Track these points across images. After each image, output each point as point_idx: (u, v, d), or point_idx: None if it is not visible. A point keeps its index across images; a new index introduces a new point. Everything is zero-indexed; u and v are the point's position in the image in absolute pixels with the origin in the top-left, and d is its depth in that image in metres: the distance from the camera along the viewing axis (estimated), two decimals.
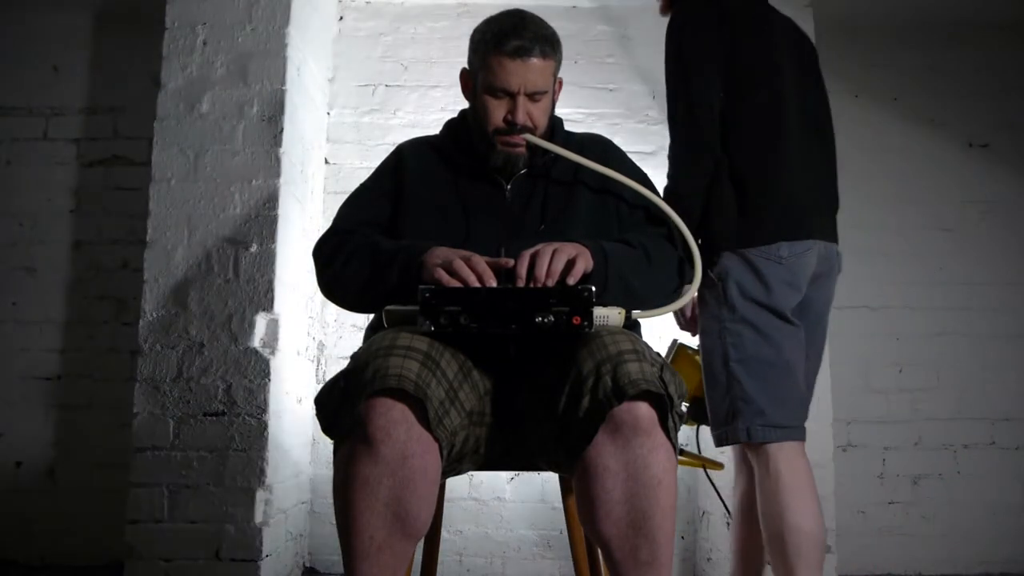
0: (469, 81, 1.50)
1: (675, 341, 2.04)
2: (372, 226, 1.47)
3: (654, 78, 2.97)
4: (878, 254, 2.91)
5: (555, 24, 1.49)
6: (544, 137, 1.47)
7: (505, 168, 1.48)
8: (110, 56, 2.92)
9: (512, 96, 1.42)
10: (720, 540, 2.48)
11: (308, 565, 2.68)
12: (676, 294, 1.48)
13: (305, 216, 2.61)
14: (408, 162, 1.53)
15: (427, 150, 1.56)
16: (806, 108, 1.80)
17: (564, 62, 1.51)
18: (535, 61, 1.40)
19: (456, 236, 1.41)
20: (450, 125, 1.59)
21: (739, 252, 1.66)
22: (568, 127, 1.59)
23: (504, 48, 1.39)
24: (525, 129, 1.43)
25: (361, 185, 1.57)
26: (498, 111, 1.43)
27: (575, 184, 1.50)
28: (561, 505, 1.46)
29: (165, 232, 2.32)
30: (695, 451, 2.08)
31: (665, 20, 1.77)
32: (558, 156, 1.47)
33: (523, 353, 1.32)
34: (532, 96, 1.43)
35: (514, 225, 1.45)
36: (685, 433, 2.12)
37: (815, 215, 1.78)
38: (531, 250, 1.27)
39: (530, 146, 1.46)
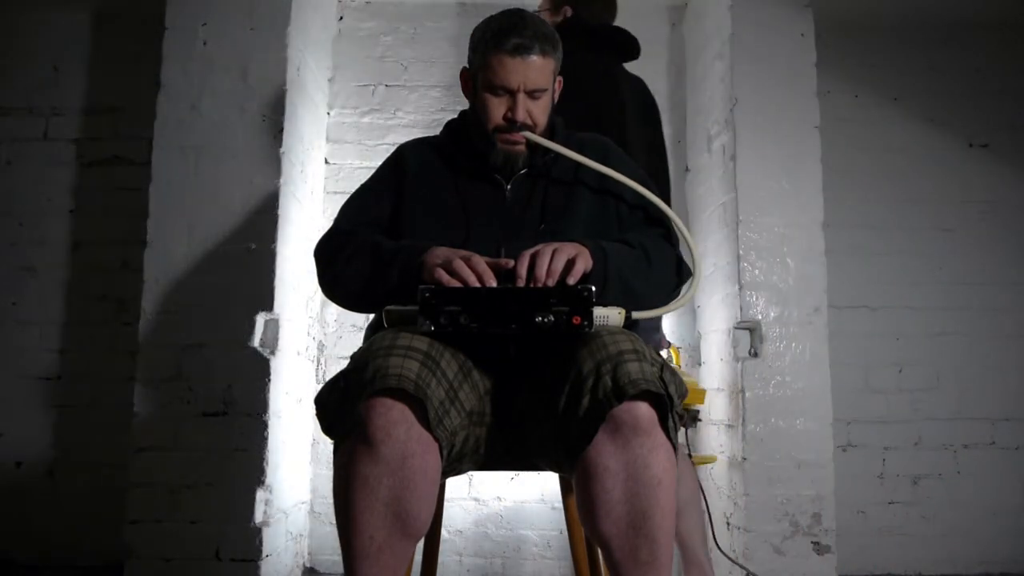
0: (469, 80, 1.51)
1: None
2: (373, 226, 1.48)
3: (654, 78, 2.97)
4: (878, 254, 2.90)
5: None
6: (544, 136, 1.47)
7: (505, 167, 1.48)
8: (110, 56, 2.91)
9: (512, 94, 1.42)
10: (720, 540, 2.48)
11: (308, 565, 2.68)
12: (675, 293, 1.48)
13: (305, 216, 2.61)
14: (408, 162, 1.53)
15: (427, 150, 1.56)
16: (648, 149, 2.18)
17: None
18: (535, 59, 1.41)
19: (456, 236, 1.41)
20: (450, 125, 1.59)
21: None
22: (568, 128, 1.60)
23: (504, 46, 1.40)
24: (525, 127, 1.43)
25: (362, 185, 1.57)
26: (498, 109, 1.44)
27: (575, 184, 1.50)
28: (561, 505, 1.46)
29: (165, 232, 2.32)
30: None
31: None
32: (558, 155, 1.47)
33: (523, 353, 1.32)
34: (532, 94, 1.43)
35: (514, 225, 1.45)
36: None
37: None
38: (531, 250, 1.27)
39: (530, 144, 1.46)
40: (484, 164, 1.49)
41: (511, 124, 1.43)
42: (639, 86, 2.31)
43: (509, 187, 1.49)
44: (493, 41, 1.41)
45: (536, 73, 1.42)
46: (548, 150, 1.47)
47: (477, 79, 1.46)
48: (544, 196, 1.48)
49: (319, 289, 1.49)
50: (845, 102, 2.97)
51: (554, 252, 1.26)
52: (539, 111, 1.45)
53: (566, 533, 1.43)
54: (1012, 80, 3.02)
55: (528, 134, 1.44)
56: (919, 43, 3.02)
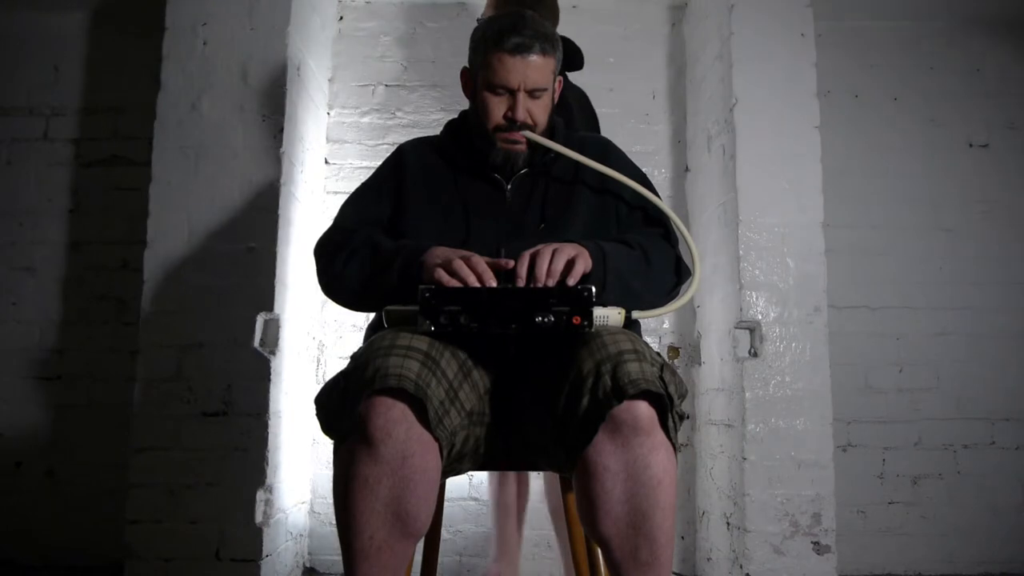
0: (469, 80, 1.51)
1: None
2: (373, 225, 1.48)
3: (654, 78, 2.98)
4: (878, 254, 2.90)
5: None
6: (544, 135, 1.47)
7: (505, 166, 1.48)
8: (110, 56, 2.91)
9: (512, 93, 1.43)
10: (720, 540, 2.48)
11: (308, 565, 2.68)
12: (674, 293, 1.48)
13: (305, 216, 2.61)
14: (409, 161, 1.54)
15: (428, 150, 1.56)
16: None
17: (564, 62, 1.51)
18: (535, 58, 1.41)
19: (456, 235, 1.41)
20: (451, 125, 1.60)
21: None
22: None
23: (504, 45, 1.40)
24: (525, 126, 1.44)
25: (362, 184, 1.58)
26: (498, 108, 1.44)
27: (575, 183, 1.50)
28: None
29: (165, 232, 2.32)
30: None
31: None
32: (558, 155, 1.48)
33: (523, 353, 1.32)
34: (532, 93, 1.43)
35: (514, 224, 1.45)
36: None
37: None
38: (531, 250, 1.27)
39: (530, 144, 1.46)
40: (484, 163, 1.49)
41: (511, 123, 1.43)
42: (584, 99, 2.32)
43: (509, 186, 1.49)
44: (493, 40, 1.42)
45: (536, 72, 1.42)
46: (548, 149, 1.47)
47: (477, 78, 1.46)
48: (544, 195, 1.48)
49: (319, 289, 1.49)
50: (845, 102, 2.97)
51: (554, 252, 1.26)
52: (539, 111, 1.45)
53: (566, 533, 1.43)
54: (1012, 80, 3.02)
55: (528, 133, 1.44)
56: (919, 43, 3.02)
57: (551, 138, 1.49)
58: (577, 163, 1.47)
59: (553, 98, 1.50)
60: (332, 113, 2.93)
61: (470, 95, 1.52)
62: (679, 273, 1.47)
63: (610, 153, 1.56)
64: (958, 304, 2.89)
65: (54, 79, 2.91)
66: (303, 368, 2.63)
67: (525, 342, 1.31)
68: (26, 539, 2.67)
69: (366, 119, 2.93)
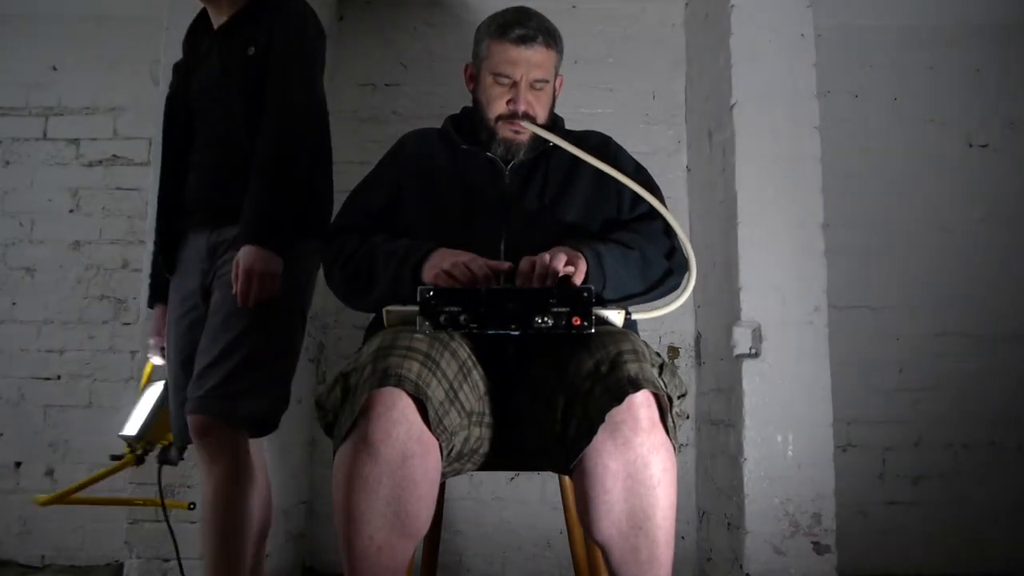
0: (473, 73, 1.54)
1: None
2: (374, 219, 1.51)
3: (654, 78, 2.98)
4: (878, 254, 2.90)
5: (555, 24, 1.52)
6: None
7: (506, 156, 1.51)
8: (110, 56, 2.92)
9: (515, 84, 1.46)
10: (720, 540, 2.48)
11: (308, 565, 2.68)
12: (670, 285, 1.48)
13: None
14: (409, 151, 1.58)
15: (429, 140, 1.60)
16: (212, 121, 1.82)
17: (564, 62, 1.53)
18: (538, 49, 1.45)
19: (456, 224, 1.43)
20: (452, 117, 1.62)
21: None
22: (568, 127, 1.61)
23: (508, 36, 1.44)
24: (527, 116, 1.46)
25: (363, 179, 1.61)
26: (500, 97, 1.48)
27: (574, 168, 1.52)
28: (561, 505, 1.46)
29: None
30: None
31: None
32: (557, 146, 1.49)
33: (523, 353, 1.33)
34: (534, 84, 1.46)
35: (513, 213, 1.47)
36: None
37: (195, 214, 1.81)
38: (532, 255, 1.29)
39: (531, 136, 1.49)
40: (485, 153, 1.51)
41: (512, 113, 1.46)
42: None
43: (508, 174, 1.50)
44: (498, 32, 1.46)
45: (538, 64, 1.45)
46: (548, 140, 1.49)
47: (481, 70, 1.50)
48: (543, 182, 1.51)
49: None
50: (845, 102, 2.97)
51: (554, 254, 1.27)
52: (540, 103, 1.49)
53: (566, 533, 1.43)
54: (1012, 80, 3.02)
55: (528, 124, 1.46)
56: (919, 43, 3.02)
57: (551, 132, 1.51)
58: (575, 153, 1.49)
59: (554, 93, 1.52)
60: (332, 113, 2.92)
61: (472, 88, 1.55)
62: (676, 266, 1.47)
63: (609, 149, 1.57)
64: (958, 304, 2.89)
65: (54, 79, 2.91)
66: (303, 368, 2.63)
67: (525, 343, 1.31)
68: (26, 539, 2.67)
69: (366, 119, 2.93)
